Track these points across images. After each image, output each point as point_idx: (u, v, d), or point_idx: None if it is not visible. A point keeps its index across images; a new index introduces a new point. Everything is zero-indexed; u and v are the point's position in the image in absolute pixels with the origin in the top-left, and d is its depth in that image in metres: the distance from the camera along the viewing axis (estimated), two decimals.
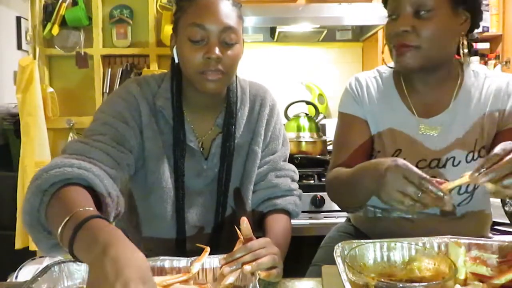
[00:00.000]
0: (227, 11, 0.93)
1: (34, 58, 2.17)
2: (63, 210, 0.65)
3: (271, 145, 1.10)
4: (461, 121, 1.02)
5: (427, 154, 1.03)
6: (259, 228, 1.06)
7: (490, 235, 1.13)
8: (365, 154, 1.09)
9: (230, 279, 0.71)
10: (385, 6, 1.04)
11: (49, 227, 0.70)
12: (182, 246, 1.02)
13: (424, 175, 0.76)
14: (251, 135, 1.07)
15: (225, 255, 0.75)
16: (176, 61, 0.99)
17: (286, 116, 2.29)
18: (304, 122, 2.21)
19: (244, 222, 0.78)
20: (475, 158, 1.01)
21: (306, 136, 2.18)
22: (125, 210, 1.10)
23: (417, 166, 1.01)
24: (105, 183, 0.77)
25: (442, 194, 0.73)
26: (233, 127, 1.04)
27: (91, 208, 0.65)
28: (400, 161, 0.80)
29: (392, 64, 1.12)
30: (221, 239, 1.04)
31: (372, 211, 1.10)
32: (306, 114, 2.27)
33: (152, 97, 1.01)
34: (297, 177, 1.14)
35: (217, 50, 0.91)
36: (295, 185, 1.11)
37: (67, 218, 0.63)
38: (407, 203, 0.76)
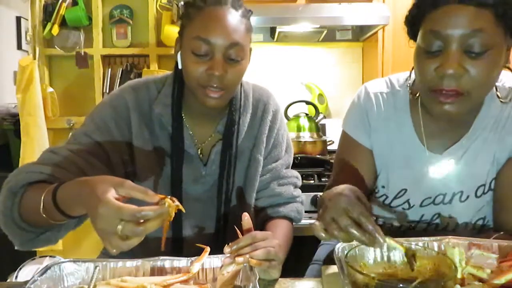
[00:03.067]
0: (235, 25, 0.89)
1: (34, 58, 2.17)
2: (37, 195, 0.74)
3: (274, 152, 1.07)
4: (475, 150, 0.92)
5: (434, 191, 0.94)
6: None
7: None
8: (367, 181, 1.00)
9: (229, 268, 0.71)
10: (411, 28, 0.86)
11: (25, 220, 0.78)
12: (179, 251, 1.00)
13: (365, 211, 0.69)
14: (253, 142, 1.04)
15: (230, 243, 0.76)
16: (180, 67, 0.96)
17: (286, 116, 2.29)
18: (304, 122, 2.21)
19: (246, 217, 0.79)
20: (485, 191, 0.93)
21: (306, 136, 2.18)
22: None
23: (421, 205, 0.95)
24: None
25: (377, 235, 0.66)
26: (235, 134, 1.01)
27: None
28: (347, 192, 0.73)
29: (412, 80, 0.95)
30: (222, 245, 1.03)
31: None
32: (306, 114, 2.27)
33: (148, 104, 0.98)
34: (299, 183, 1.11)
35: (220, 67, 0.88)
36: (297, 192, 1.09)
37: (43, 195, 0.72)
38: (331, 230, 0.68)
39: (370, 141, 0.99)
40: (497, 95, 0.86)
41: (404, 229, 0.98)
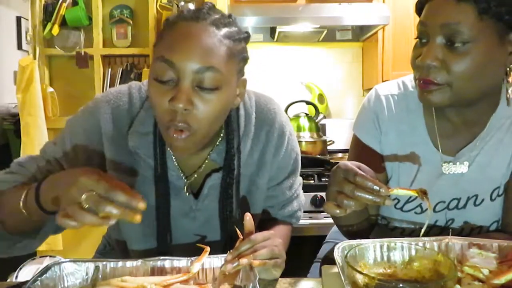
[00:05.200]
0: (210, 44, 0.73)
1: (34, 58, 2.17)
2: (17, 193, 0.72)
3: (278, 174, 0.97)
4: (490, 152, 0.89)
5: (448, 194, 0.92)
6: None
7: None
8: None
9: (229, 267, 0.70)
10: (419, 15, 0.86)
11: (3, 226, 0.76)
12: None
13: (360, 171, 0.71)
14: (254, 166, 0.92)
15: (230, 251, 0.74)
16: None
17: None
18: (304, 122, 2.22)
19: (247, 217, 0.77)
20: (500, 193, 0.90)
21: (306, 136, 2.19)
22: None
23: (434, 209, 0.93)
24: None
25: (377, 187, 0.68)
26: (235, 165, 0.88)
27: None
28: (342, 163, 0.76)
29: None
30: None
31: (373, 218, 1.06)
32: (306, 114, 2.28)
33: (129, 124, 0.85)
34: (301, 187, 1.05)
35: (184, 97, 0.71)
36: (298, 203, 1.03)
37: (27, 190, 0.71)
38: (340, 201, 0.70)
39: (380, 145, 0.97)
40: (507, 97, 0.84)
41: (416, 235, 0.95)
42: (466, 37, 0.75)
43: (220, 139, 0.89)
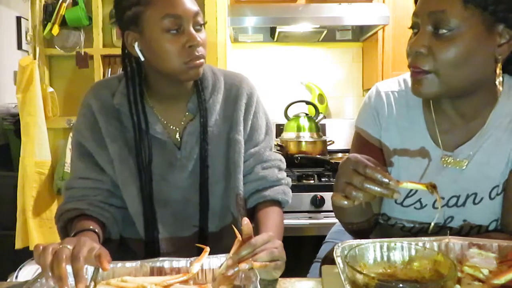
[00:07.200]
0: None
1: (34, 58, 2.17)
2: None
3: (254, 135, 1.08)
4: (488, 150, 0.90)
5: (447, 192, 0.92)
6: (251, 221, 1.05)
7: None
8: None
9: (231, 271, 0.70)
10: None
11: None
12: (152, 247, 1.00)
13: (370, 164, 0.72)
14: (229, 124, 1.05)
15: (231, 254, 0.74)
16: (142, 58, 0.96)
17: (286, 116, 2.29)
18: (304, 122, 2.22)
19: (245, 221, 0.77)
20: (499, 192, 0.90)
21: (306, 136, 2.19)
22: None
23: (433, 207, 0.93)
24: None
25: (387, 180, 0.69)
26: (207, 111, 1.02)
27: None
28: (352, 155, 0.77)
29: None
30: (206, 234, 1.03)
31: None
32: (306, 114, 2.28)
33: (111, 98, 1.01)
34: (284, 166, 1.12)
35: (197, 37, 0.92)
36: (282, 174, 1.10)
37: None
38: (349, 192, 0.71)
39: (381, 140, 0.99)
40: (499, 88, 0.85)
41: (415, 231, 0.96)
42: (451, 25, 0.78)
43: (194, 91, 1.04)
